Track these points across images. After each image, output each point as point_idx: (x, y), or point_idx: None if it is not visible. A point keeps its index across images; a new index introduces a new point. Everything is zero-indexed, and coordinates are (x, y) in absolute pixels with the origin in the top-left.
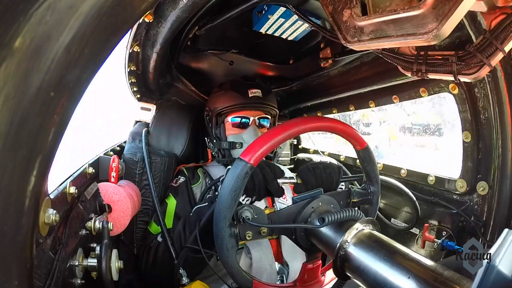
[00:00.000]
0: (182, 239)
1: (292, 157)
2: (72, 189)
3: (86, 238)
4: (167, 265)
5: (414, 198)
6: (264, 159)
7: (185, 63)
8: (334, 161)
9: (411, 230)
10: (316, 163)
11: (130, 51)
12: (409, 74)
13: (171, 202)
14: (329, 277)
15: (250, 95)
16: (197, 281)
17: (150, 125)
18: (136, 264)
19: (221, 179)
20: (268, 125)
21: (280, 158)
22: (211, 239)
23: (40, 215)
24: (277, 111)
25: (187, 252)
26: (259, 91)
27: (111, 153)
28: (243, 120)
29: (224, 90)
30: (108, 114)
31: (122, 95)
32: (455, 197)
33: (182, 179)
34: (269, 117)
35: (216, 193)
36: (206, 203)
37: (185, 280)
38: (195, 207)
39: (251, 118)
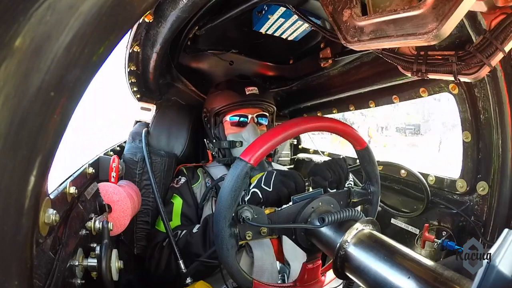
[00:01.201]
0: (201, 248)
1: (292, 157)
2: (72, 189)
3: (86, 238)
4: (177, 267)
5: (422, 178)
6: (288, 169)
7: (185, 63)
8: None
9: (411, 230)
10: (325, 161)
11: (130, 51)
12: (409, 74)
13: (177, 202)
14: (329, 277)
15: (247, 93)
16: (200, 281)
17: (150, 125)
18: (136, 264)
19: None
20: (266, 122)
21: (280, 158)
22: None
23: (40, 215)
24: (275, 108)
25: (200, 263)
26: (256, 88)
27: (111, 153)
28: (242, 118)
29: (221, 90)
30: (108, 114)
31: (122, 95)
32: (455, 197)
33: (183, 179)
34: (267, 114)
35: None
36: None
37: (188, 280)
38: None
39: (250, 116)
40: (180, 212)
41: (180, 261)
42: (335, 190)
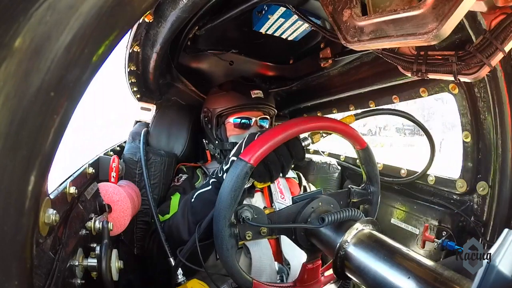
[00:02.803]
0: (182, 230)
1: None
2: (72, 189)
3: (86, 238)
4: (164, 262)
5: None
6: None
7: (185, 63)
8: (334, 161)
9: (410, 230)
10: None
11: (130, 51)
12: (409, 74)
13: (176, 196)
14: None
15: (252, 96)
16: (193, 279)
17: (150, 125)
18: (136, 264)
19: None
20: (267, 125)
21: None
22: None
23: (40, 215)
24: (276, 111)
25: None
26: (261, 92)
27: (111, 153)
28: (245, 121)
29: (225, 91)
30: (108, 114)
31: (122, 95)
32: (455, 197)
33: (184, 176)
34: (268, 117)
35: (221, 174)
36: (210, 187)
37: (180, 278)
38: (197, 192)
39: (253, 119)
40: (178, 205)
41: (171, 258)
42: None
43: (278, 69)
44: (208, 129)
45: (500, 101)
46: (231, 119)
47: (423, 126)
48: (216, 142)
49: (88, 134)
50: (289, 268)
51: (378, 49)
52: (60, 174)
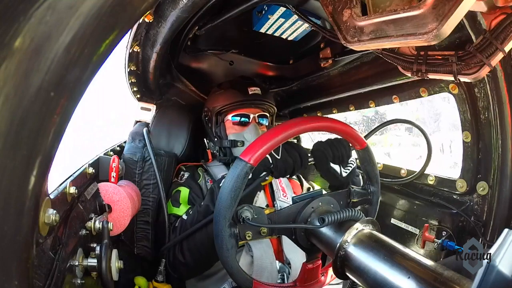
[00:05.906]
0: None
1: None
2: (72, 189)
3: (86, 238)
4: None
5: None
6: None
7: (185, 63)
8: None
9: (411, 230)
10: (328, 138)
11: (130, 51)
12: (409, 74)
13: (184, 190)
14: (329, 277)
15: (250, 93)
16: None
17: (150, 125)
18: (136, 264)
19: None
20: (267, 123)
21: None
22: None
23: (40, 215)
24: (275, 109)
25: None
26: (258, 89)
27: (111, 153)
28: (243, 118)
29: (224, 89)
30: (108, 114)
31: (122, 95)
32: (455, 197)
33: (186, 174)
34: (268, 115)
35: None
36: None
37: (160, 278)
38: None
39: (251, 116)
40: (187, 199)
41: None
42: (334, 191)
43: (278, 69)
44: (209, 128)
45: (500, 101)
46: (230, 117)
47: (421, 128)
48: (215, 139)
49: (88, 134)
50: (290, 267)
51: (378, 49)
52: (60, 174)
